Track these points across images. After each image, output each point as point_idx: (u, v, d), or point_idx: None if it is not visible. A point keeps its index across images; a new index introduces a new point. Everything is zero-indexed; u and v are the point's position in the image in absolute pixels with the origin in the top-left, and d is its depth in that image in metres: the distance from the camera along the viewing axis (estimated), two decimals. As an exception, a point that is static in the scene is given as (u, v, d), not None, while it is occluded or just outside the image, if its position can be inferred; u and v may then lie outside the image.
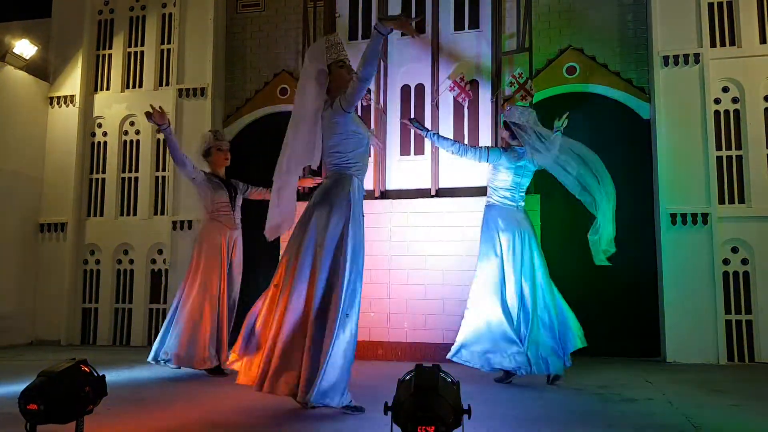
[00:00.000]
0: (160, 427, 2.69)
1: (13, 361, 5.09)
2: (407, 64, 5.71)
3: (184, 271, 6.33)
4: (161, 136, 6.76)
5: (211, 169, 4.58)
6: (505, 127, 4.20)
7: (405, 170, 5.59)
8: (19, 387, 2.32)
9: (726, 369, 4.88)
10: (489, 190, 4.23)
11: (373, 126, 5.69)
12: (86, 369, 2.33)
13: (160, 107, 4.12)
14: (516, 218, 4.10)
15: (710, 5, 5.62)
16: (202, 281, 4.32)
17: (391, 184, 5.59)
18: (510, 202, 4.15)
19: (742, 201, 5.46)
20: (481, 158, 4.17)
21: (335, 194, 3.09)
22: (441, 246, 5.18)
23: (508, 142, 4.22)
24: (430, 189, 5.47)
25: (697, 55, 5.51)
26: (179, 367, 4.30)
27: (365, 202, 5.40)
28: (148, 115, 4.05)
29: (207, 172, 4.54)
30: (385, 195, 5.54)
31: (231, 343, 3.74)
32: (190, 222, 6.38)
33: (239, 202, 4.64)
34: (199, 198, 4.61)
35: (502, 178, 4.14)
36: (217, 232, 4.45)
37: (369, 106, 5.66)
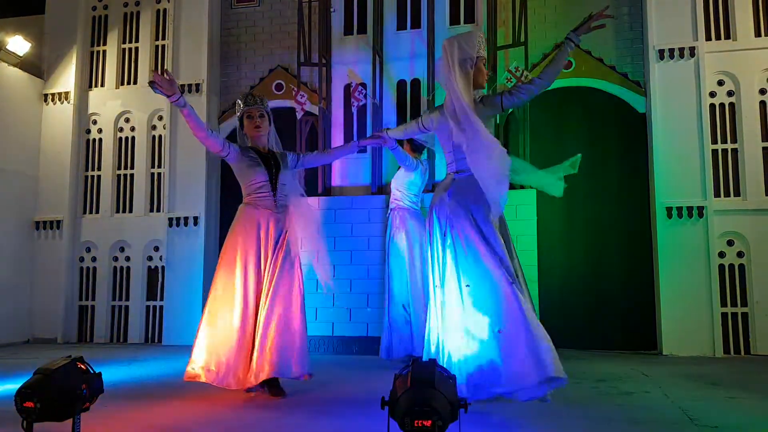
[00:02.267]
0: (157, 424, 2.69)
1: (9, 359, 5.08)
2: (403, 59, 5.70)
3: (181, 268, 6.40)
4: (156, 132, 6.74)
5: (251, 143, 3.59)
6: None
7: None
8: (15, 385, 2.32)
9: (722, 361, 4.90)
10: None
11: (369, 121, 5.69)
12: (83, 366, 2.33)
13: (166, 71, 3.15)
14: None
15: (705, -2, 5.63)
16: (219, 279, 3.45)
17: (389, 179, 5.58)
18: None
19: (737, 194, 5.48)
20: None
21: (481, 194, 2.96)
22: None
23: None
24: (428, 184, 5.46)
25: (692, 49, 5.52)
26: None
27: (362, 198, 5.45)
28: (152, 84, 3.14)
29: (244, 147, 3.58)
30: (382, 190, 5.54)
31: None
32: (186, 219, 6.37)
33: (287, 179, 3.60)
34: (237, 177, 3.61)
35: None
36: (249, 218, 3.46)
37: (365, 101, 5.65)
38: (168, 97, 3.14)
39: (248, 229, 3.43)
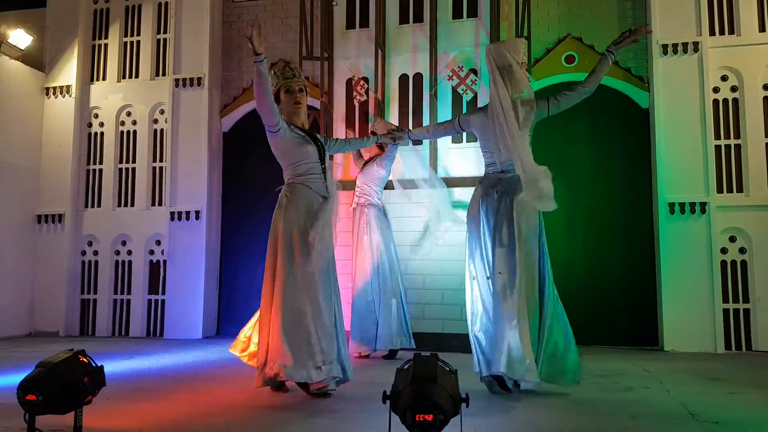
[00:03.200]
0: (158, 417, 2.70)
1: (11, 353, 5.10)
2: (405, 53, 5.68)
3: (183, 262, 6.41)
4: (158, 126, 6.72)
5: (286, 120, 3.31)
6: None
7: (404, 160, 5.57)
8: (17, 378, 2.32)
9: (723, 357, 4.90)
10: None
11: (371, 115, 5.67)
12: (85, 360, 2.33)
13: (258, 27, 3.06)
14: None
15: (709, -7, 5.60)
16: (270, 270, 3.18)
17: (393, 174, 5.57)
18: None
19: (740, 190, 5.46)
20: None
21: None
22: (442, 235, 5.17)
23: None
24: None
25: (696, 44, 5.49)
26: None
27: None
28: (248, 38, 3.02)
29: (288, 123, 3.32)
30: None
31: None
32: (188, 213, 6.37)
33: (330, 164, 3.48)
34: (279, 158, 3.31)
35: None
36: (306, 199, 3.19)
37: (366, 96, 5.63)
38: (255, 54, 2.99)
39: (309, 210, 3.16)
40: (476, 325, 3.28)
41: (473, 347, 3.28)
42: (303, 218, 3.15)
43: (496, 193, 3.31)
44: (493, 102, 3.31)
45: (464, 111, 5.51)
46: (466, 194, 5.17)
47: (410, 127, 5.46)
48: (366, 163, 5.00)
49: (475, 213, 3.35)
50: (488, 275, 3.24)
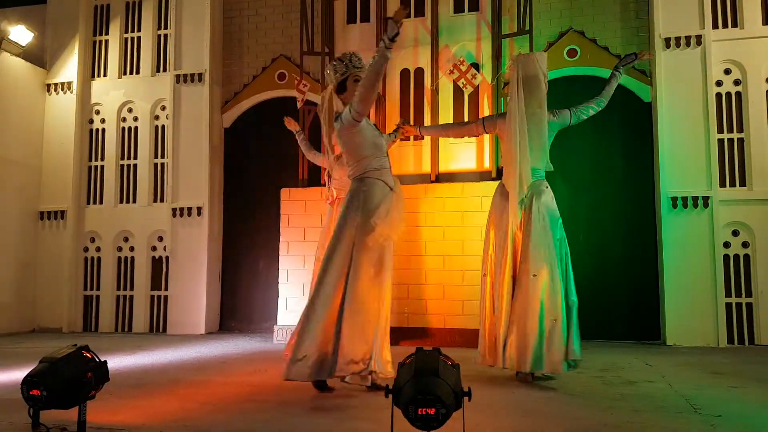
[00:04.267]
0: (161, 412, 2.71)
1: (15, 348, 5.12)
2: (406, 48, 5.67)
3: (185, 258, 6.41)
4: (159, 122, 6.74)
5: None
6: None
7: (405, 155, 5.57)
8: (21, 373, 2.33)
9: (726, 352, 4.89)
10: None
11: (373, 111, 5.66)
12: (88, 355, 2.34)
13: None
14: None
15: (712, -14, 5.56)
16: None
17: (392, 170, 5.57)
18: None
19: (743, 184, 5.44)
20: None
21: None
22: (440, 231, 5.17)
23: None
24: (429, 174, 5.45)
25: (698, 37, 5.46)
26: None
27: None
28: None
29: None
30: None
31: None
32: (189, 209, 6.38)
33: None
34: (352, 150, 3.23)
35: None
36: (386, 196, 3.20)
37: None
38: (393, 37, 2.94)
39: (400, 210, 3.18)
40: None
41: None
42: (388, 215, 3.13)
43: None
44: (511, 112, 3.48)
45: (465, 106, 5.51)
46: (468, 190, 5.17)
47: (410, 122, 5.46)
48: (340, 156, 4.82)
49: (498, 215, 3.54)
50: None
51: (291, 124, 5.18)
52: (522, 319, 3.29)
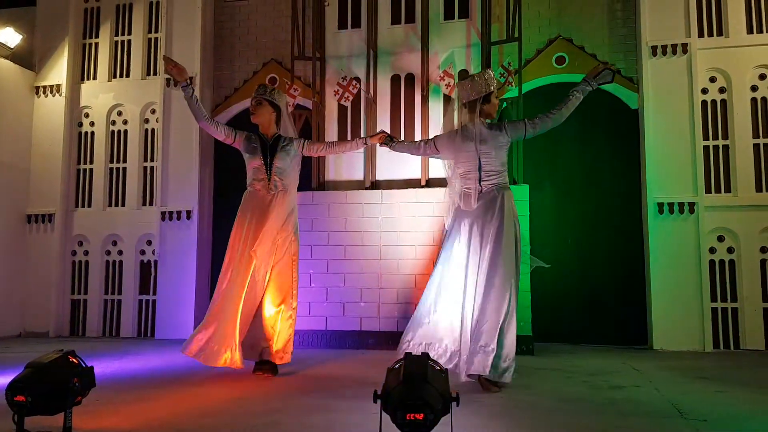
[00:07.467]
0: (148, 417, 2.69)
1: (0, 353, 5.06)
2: (397, 54, 5.70)
3: (174, 262, 6.38)
4: (149, 126, 6.70)
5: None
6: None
7: (395, 160, 5.59)
8: (6, 378, 2.31)
9: (712, 356, 4.94)
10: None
11: (363, 116, 5.68)
12: (74, 360, 2.32)
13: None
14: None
15: (698, -5, 5.64)
16: None
17: (382, 174, 5.59)
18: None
19: (728, 190, 5.52)
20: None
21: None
22: (431, 236, 5.19)
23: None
24: (420, 179, 5.48)
25: (684, 45, 5.54)
26: None
27: (356, 192, 5.46)
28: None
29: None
30: (376, 185, 5.54)
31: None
32: (179, 213, 6.35)
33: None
34: (502, 157, 3.65)
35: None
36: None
37: (358, 95, 5.64)
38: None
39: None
40: None
41: None
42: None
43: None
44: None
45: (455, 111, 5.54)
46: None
47: (402, 133, 5.51)
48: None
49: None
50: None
51: (172, 68, 3.75)
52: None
